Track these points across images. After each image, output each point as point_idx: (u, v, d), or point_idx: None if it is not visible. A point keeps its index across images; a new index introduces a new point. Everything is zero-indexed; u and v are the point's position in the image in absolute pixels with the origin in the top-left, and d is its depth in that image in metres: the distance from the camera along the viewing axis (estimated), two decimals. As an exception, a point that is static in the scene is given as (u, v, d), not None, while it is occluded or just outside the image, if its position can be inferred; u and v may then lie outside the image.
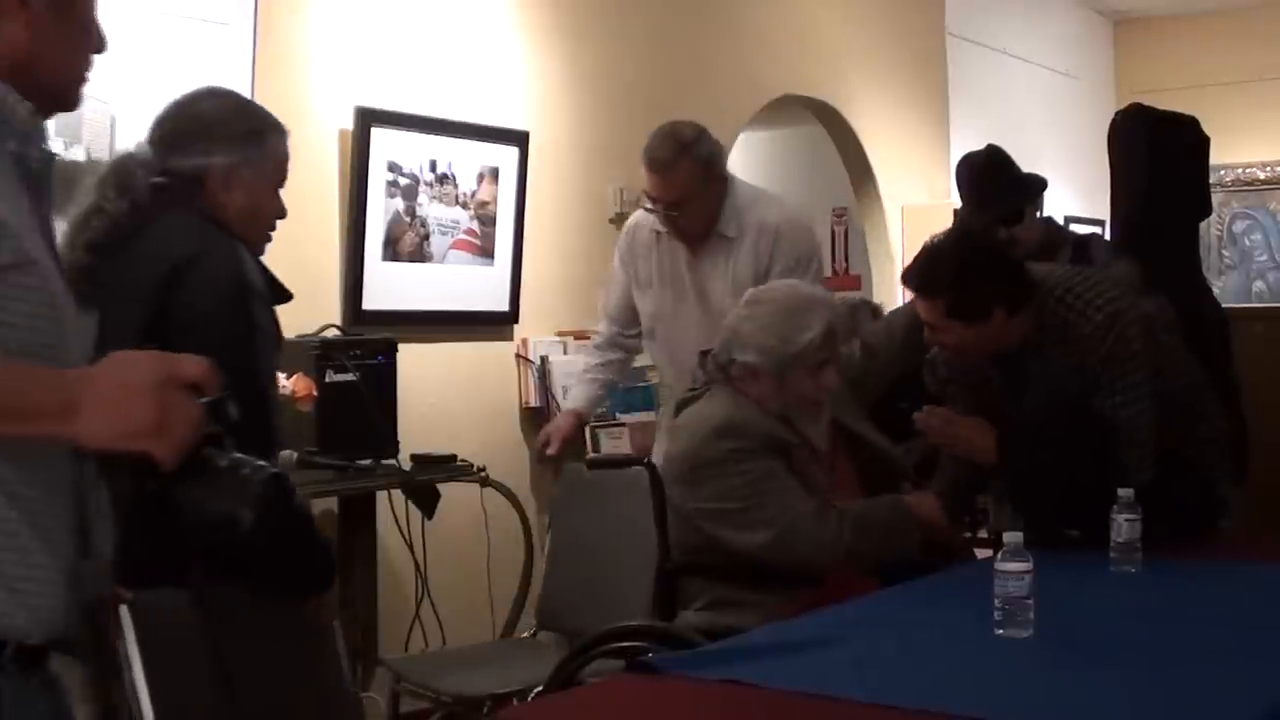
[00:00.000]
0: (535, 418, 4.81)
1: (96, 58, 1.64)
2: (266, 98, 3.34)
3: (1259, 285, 9.46)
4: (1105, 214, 4.76)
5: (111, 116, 3.54)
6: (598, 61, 5.29)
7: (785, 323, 2.97)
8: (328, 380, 3.74)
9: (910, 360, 3.41)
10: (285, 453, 2.48)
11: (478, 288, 4.76)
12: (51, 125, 1.92)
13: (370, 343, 3.95)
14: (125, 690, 2.01)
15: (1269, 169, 9.32)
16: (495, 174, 4.78)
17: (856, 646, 2.26)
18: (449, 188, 4.64)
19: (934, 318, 3.05)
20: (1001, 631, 2.27)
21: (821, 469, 3.01)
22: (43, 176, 1.56)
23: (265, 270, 2.40)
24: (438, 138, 4.58)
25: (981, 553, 3.33)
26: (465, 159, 4.68)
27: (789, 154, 8.32)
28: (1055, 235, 4.32)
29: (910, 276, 3.13)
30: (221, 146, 2.38)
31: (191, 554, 1.60)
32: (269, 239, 2.52)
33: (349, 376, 3.76)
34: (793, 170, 8.31)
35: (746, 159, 7.72)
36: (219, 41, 3.92)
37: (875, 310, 4.90)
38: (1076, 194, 8.24)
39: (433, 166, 4.58)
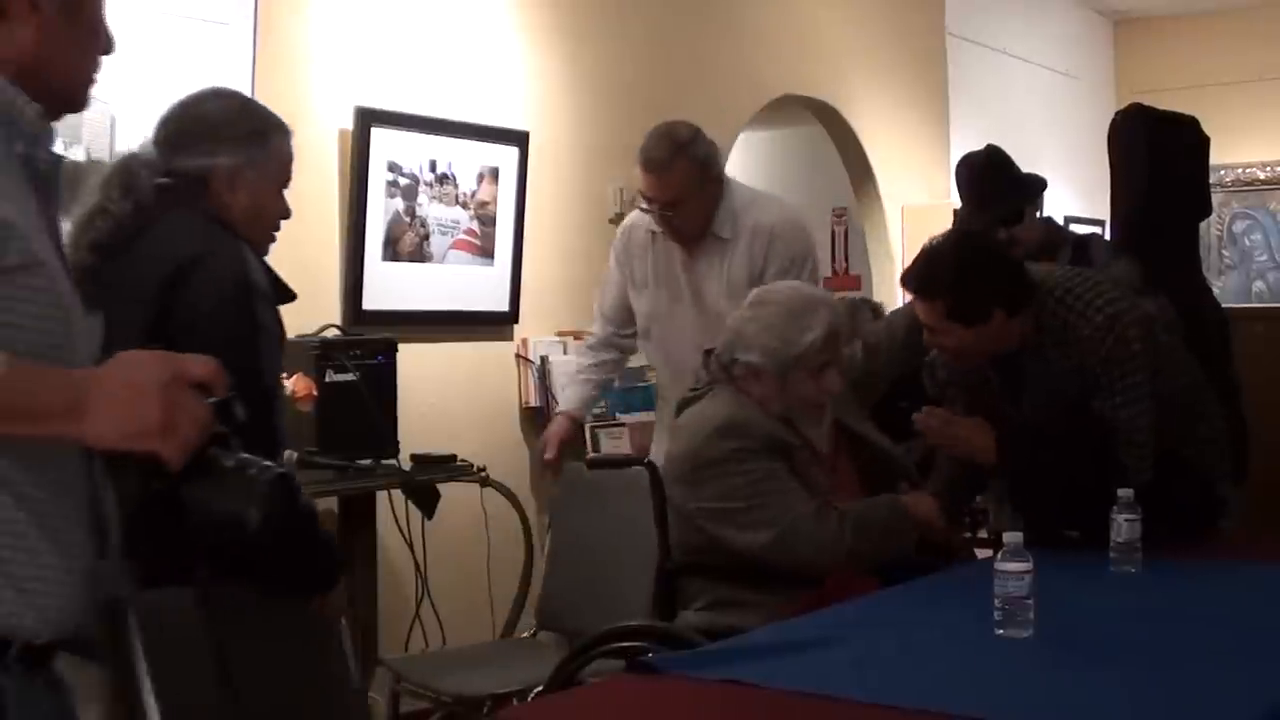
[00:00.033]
0: (535, 418, 4.81)
1: (103, 59, 1.65)
2: (266, 98, 3.34)
3: (1259, 285, 9.46)
4: (1105, 214, 4.77)
5: (111, 116, 3.54)
6: (598, 61, 5.29)
7: (788, 324, 2.97)
8: (328, 380, 3.74)
9: (911, 361, 3.41)
10: (286, 452, 2.48)
11: (478, 288, 4.76)
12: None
13: (370, 343, 3.94)
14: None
15: (1269, 169, 9.32)
16: (495, 174, 4.78)
17: (856, 646, 2.26)
18: (449, 188, 4.64)
19: (933, 320, 3.05)
20: (1001, 631, 2.27)
21: (823, 470, 3.01)
22: (50, 178, 1.57)
23: (269, 270, 2.40)
24: (438, 138, 4.58)
25: (981, 553, 3.34)
26: (465, 159, 4.68)
27: (789, 154, 8.32)
28: (1055, 235, 4.33)
29: (909, 279, 3.13)
30: (226, 147, 2.39)
31: (197, 554, 1.60)
32: (273, 239, 2.52)
33: (349, 376, 3.76)
34: (793, 170, 8.31)
35: (746, 159, 7.72)
36: (219, 41, 3.92)
37: (875, 309, 4.91)
38: (1076, 194, 8.24)
39: (433, 166, 4.58)
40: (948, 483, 3.18)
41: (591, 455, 4.66)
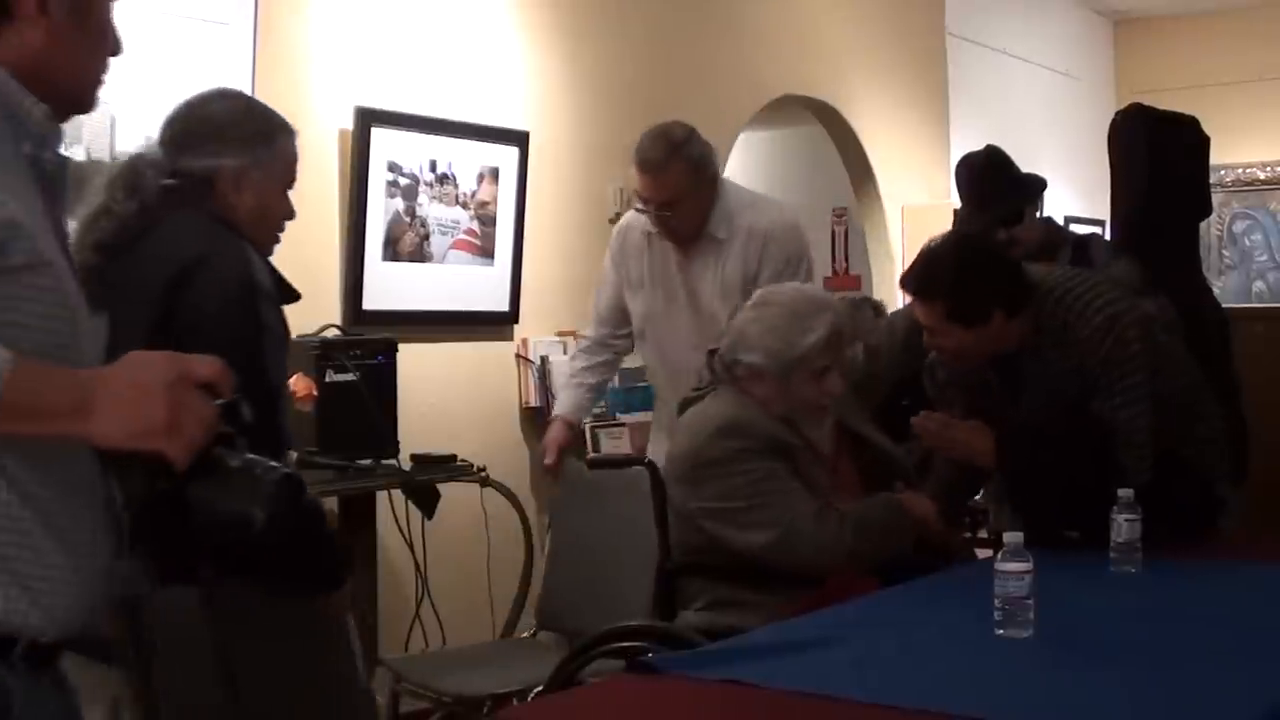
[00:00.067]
0: (535, 418, 4.81)
1: (111, 61, 1.65)
2: (266, 98, 3.33)
3: (1259, 285, 9.46)
4: (1105, 214, 4.76)
5: (111, 116, 3.54)
6: (598, 61, 5.29)
7: (790, 325, 2.97)
8: (328, 380, 3.74)
9: (911, 363, 3.42)
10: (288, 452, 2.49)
11: (478, 288, 4.76)
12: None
13: (370, 343, 3.95)
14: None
15: (1269, 169, 9.32)
16: (495, 174, 4.78)
17: (856, 646, 2.26)
18: (449, 188, 4.64)
19: (933, 321, 3.05)
20: (1001, 631, 2.27)
21: (824, 471, 3.01)
22: (57, 179, 1.57)
23: (274, 271, 2.41)
24: (438, 138, 4.58)
25: (981, 553, 3.34)
26: (465, 159, 4.68)
27: (789, 154, 8.32)
28: (1055, 235, 4.32)
29: (909, 281, 3.13)
30: (232, 148, 2.39)
31: (203, 553, 1.60)
32: (278, 240, 2.52)
33: (349, 376, 3.76)
34: (793, 170, 8.31)
35: (746, 159, 7.72)
36: (219, 41, 3.92)
37: (877, 307, 4.91)
38: (1076, 194, 8.24)
39: (433, 166, 4.58)
40: (944, 485, 3.18)
41: (591, 455, 4.66)
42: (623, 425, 5.00)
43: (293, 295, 2.45)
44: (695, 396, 3.10)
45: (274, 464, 1.55)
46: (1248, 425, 3.75)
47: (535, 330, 4.95)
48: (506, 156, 4.81)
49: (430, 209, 4.58)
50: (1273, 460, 4.05)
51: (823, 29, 6.68)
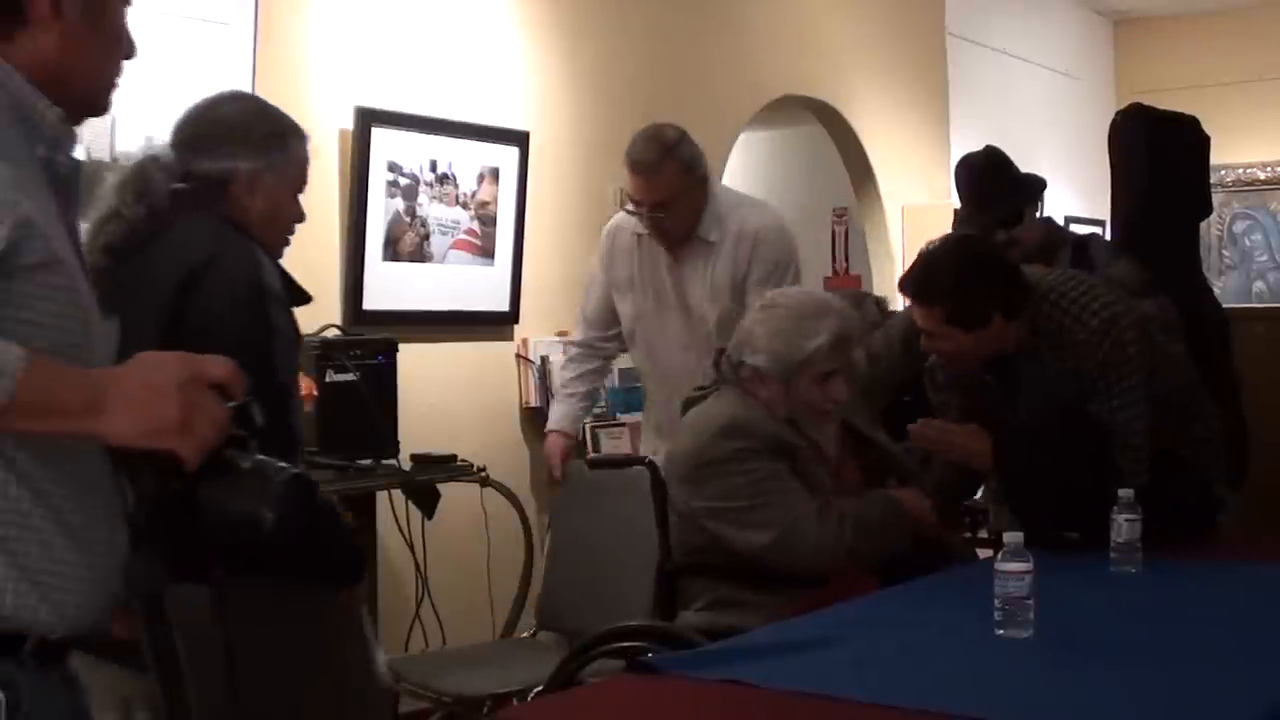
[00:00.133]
0: (535, 418, 4.81)
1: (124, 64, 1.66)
2: (267, 97, 3.34)
3: (1259, 285, 9.46)
4: (1105, 214, 4.76)
5: (112, 117, 3.53)
6: (597, 58, 5.29)
7: (795, 329, 2.96)
8: (328, 380, 3.74)
9: (912, 366, 3.42)
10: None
11: (478, 288, 4.76)
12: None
13: (370, 343, 3.94)
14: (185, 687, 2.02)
15: (1269, 169, 9.32)
16: (495, 174, 4.78)
17: (856, 646, 2.26)
18: (449, 188, 4.64)
19: (932, 324, 3.05)
20: (1001, 631, 2.28)
21: (826, 471, 3.00)
22: (70, 182, 1.58)
23: (284, 274, 2.41)
24: (438, 138, 4.58)
25: (982, 553, 3.34)
26: (465, 159, 4.68)
27: (789, 154, 8.32)
28: (1055, 236, 4.33)
29: (907, 284, 3.13)
30: (247, 150, 2.40)
31: (213, 553, 1.61)
32: (288, 243, 2.53)
33: (349, 376, 3.76)
34: (793, 170, 8.31)
35: (746, 159, 7.72)
36: (219, 41, 3.92)
37: (880, 303, 4.92)
38: (1076, 194, 8.24)
39: (433, 166, 4.58)
40: (937, 485, 3.18)
41: (591, 455, 4.67)
42: (623, 425, 5.00)
43: (303, 298, 2.46)
44: (698, 396, 3.10)
45: (283, 465, 1.56)
46: (1248, 425, 3.75)
47: (535, 330, 4.95)
48: (506, 156, 4.81)
49: (430, 209, 4.58)
50: (1273, 460, 4.06)
51: (823, 29, 6.68)
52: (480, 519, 4.25)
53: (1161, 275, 3.62)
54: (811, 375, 2.94)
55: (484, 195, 4.76)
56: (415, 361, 4.33)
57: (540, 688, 3.00)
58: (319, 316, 4.02)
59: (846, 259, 8.35)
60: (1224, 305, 4.45)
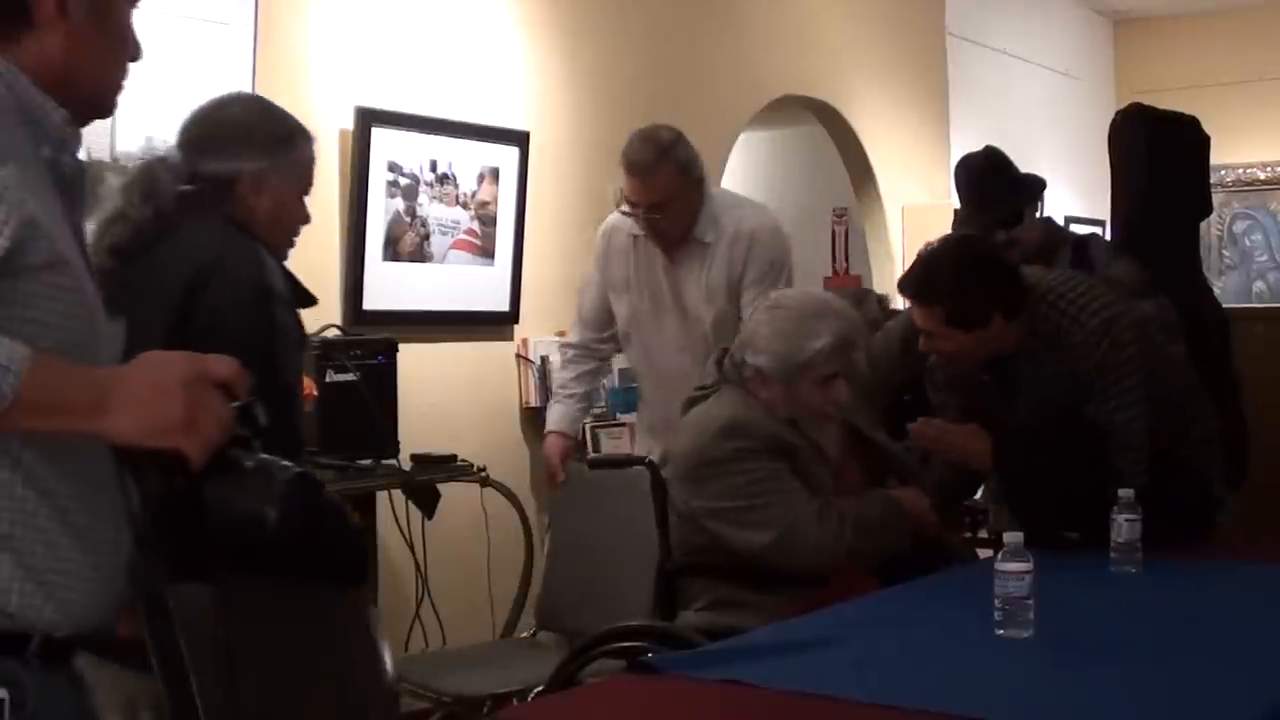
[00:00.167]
0: (535, 418, 4.80)
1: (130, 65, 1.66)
2: (267, 98, 3.35)
3: (1259, 285, 9.46)
4: (1105, 214, 4.76)
5: (112, 117, 3.53)
6: (597, 58, 5.29)
7: (797, 329, 2.96)
8: (328, 380, 3.74)
9: (912, 367, 3.42)
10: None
11: (478, 288, 4.76)
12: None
13: (370, 343, 3.95)
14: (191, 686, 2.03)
15: (1269, 169, 9.32)
16: (495, 174, 4.78)
17: (856, 646, 2.26)
18: (449, 188, 4.64)
19: (932, 325, 3.05)
20: (1001, 631, 2.28)
21: (827, 472, 3.00)
22: (75, 183, 1.58)
23: (289, 274, 2.41)
24: (438, 138, 4.58)
25: (982, 553, 3.34)
26: (465, 159, 4.68)
27: (789, 154, 8.32)
28: (1055, 236, 4.32)
29: (907, 285, 3.13)
30: (253, 151, 2.40)
31: (217, 552, 1.61)
32: (293, 244, 2.54)
33: (349, 376, 3.76)
34: (793, 170, 8.31)
35: (746, 159, 7.72)
36: (219, 41, 3.92)
37: (881, 300, 4.92)
38: (1076, 194, 8.24)
39: (433, 166, 4.58)
40: (937, 485, 3.18)
41: (591, 455, 4.67)
42: (622, 425, 5.00)
43: (308, 299, 2.46)
44: (699, 396, 3.10)
45: (287, 464, 1.57)
46: (1248, 425, 3.75)
47: (535, 330, 4.95)
48: (507, 156, 4.81)
49: (430, 209, 4.58)
50: (1273, 460, 4.05)
51: (822, 29, 6.68)
52: (480, 519, 4.25)
53: (1161, 275, 3.61)
54: (813, 378, 2.94)
55: (484, 195, 4.76)
56: (415, 361, 4.33)
57: (540, 688, 3.00)
58: (319, 316, 4.01)
59: (846, 259, 8.34)
60: (1224, 305, 4.45)
